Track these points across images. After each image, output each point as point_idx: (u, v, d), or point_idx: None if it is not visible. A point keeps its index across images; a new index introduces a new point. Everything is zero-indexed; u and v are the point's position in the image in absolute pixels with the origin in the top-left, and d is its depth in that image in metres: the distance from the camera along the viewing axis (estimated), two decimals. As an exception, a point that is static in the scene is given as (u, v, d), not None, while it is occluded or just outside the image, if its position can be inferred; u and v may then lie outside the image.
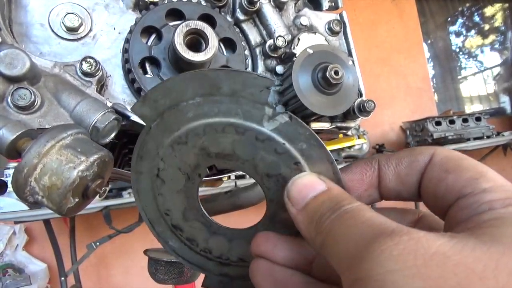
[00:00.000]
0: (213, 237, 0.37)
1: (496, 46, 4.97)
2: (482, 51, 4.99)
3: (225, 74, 0.34)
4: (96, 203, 2.00)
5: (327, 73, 0.49)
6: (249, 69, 0.54)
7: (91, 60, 0.43)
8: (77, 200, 0.35)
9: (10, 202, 2.06)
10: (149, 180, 0.37)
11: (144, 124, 0.36)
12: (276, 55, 0.54)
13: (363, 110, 0.52)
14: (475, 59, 5.02)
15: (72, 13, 0.46)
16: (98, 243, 2.18)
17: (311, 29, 0.56)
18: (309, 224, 0.28)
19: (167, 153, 0.35)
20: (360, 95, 0.56)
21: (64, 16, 0.46)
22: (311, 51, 0.54)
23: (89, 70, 0.43)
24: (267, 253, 0.32)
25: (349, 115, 0.55)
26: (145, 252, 1.64)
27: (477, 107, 4.79)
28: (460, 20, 4.97)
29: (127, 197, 2.28)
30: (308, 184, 0.30)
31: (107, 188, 2.22)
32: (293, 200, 0.30)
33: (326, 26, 0.57)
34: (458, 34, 4.98)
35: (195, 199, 0.37)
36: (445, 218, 0.28)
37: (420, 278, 0.19)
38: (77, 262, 2.30)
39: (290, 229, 0.33)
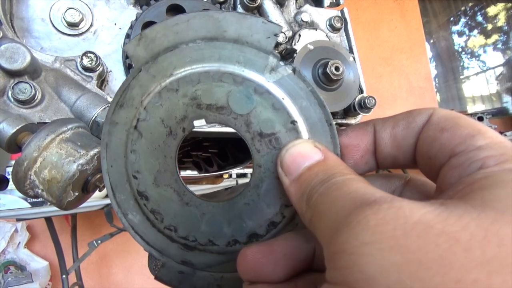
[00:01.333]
0: (183, 209, 0.32)
1: (499, 46, 4.95)
2: (485, 51, 4.97)
3: (232, 16, 0.31)
4: (98, 201, 2.01)
5: (327, 69, 0.50)
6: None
7: (92, 55, 0.43)
8: (77, 193, 0.35)
9: (12, 200, 2.07)
10: (124, 133, 0.32)
11: (134, 66, 0.32)
12: (277, 51, 0.54)
13: (363, 106, 0.52)
14: (477, 59, 5.00)
15: (73, 8, 0.46)
16: (99, 241, 2.18)
17: (312, 25, 0.56)
18: (300, 197, 0.25)
19: (153, 101, 0.32)
20: (361, 91, 0.56)
21: (65, 11, 0.46)
22: (311, 47, 0.54)
23: (89, 65, 0.43)
24: (266, 277, 0.28)
25: (349, 111, 0.55)
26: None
27: (479, 107, 4.77)
28: (462, 20, 4.95)
29: (129, 195, 2.27)
30: (303, 153, 0.28)
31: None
32: (286, 170, 0.28)
33: (327, 23, 0.57)
34: (460, 33, 4.97)
35: (173, 159, 0.33)
36: (437, 181, 0.25)
37: (397, 251, 0.17)
38: (78, 260, 2.30)
39: (278, 199, 0.31)
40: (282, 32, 0.52)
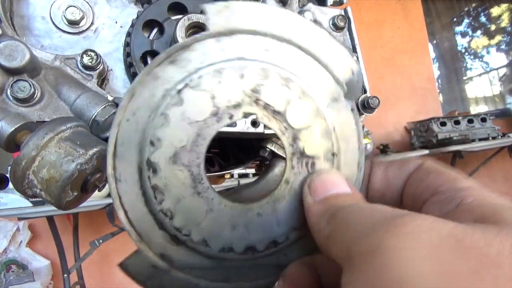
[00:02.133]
0: (191, 198, 0.29)
1: (503, 46, 4.94)
2: (488, 52, 4.96)
3: (323, 34, 0.31)
4: (99, 201, 2.01)
5: (330, 68, 0.49)
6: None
7: (92, 54, 0.43)
8: (75, 193, 0.34)
9: (14, 199, 2.07)
10: (162, 91, 0.28)
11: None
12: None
13: (367, 106, 0.52)
14: (481, 59, 4.99)
15: (74, 6, 0.46)
16: (101, 241, 2.19)
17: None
18: (322, 216, 0.26)
19: (212, 74, 0.29)
20: (364, 91, 0.55)
21: (66, 9, 0.46)
22: (314, 46, 0.54)
23: (90, 64, 0.43)
24: None
25: (353, 111, 0.54)
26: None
27: (482, 108, 4.76)
28: (466, 21, 4.94)
29: (130, 195, 2.28)
30: (334, 181, 0.29)
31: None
32: (313, 190, 0.29)
33: (331, 22, 0.56)
34: (464, 34, 4.95)
35: (206, 141, 0.29)
36: None
37: (434, 260, 0.18)
38: (80, 259, 2.30)
39: (290, 220, 0.31)
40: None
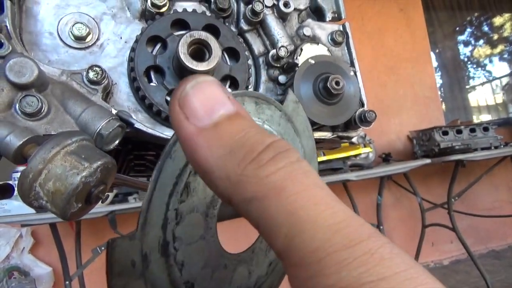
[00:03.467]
0: (200, 242, 0.31)
1: (505, 56, 4.95)
2: (490, 61, 4.97)
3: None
4: (102, 208, 2.02)
5: (328, 83, 0.50)
6: (252, 79, 0.55)
7: (98, 69, 0.44)
8: (80, 205, 0.36)
9: (18, 205, 2.09)
10: None
11: None
12: (278, 65, 0.54)
13: (364, 120, 0.53)
14: (483, 68, 4.99)
15: (80, 23, 0.47)
16: (103, 248, 2.19)
17: (314, 39, 0.56)
18: (229, 156, 0.18)
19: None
20: (362, 105, 0.56)
21: (73, 25, 0.47)
22: (313, 62, 0.55)
23: (95, 78, 0.44)
24: None
25: (350, 125, 0.55)
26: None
27: (485, 117, 4.75)
28: (468, 30, 4.96)
29: (133, 202, 2.29)
30: (217, 96, 0.20)
31: (112, 194, 2.24)
32: (193, 111, 0.19)
33: (329, 37, 0.57)
34: (466, 43, 4.96)
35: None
36: None
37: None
38: (82, 266, 2.31)
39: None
40: (283, 46, 0.53)
